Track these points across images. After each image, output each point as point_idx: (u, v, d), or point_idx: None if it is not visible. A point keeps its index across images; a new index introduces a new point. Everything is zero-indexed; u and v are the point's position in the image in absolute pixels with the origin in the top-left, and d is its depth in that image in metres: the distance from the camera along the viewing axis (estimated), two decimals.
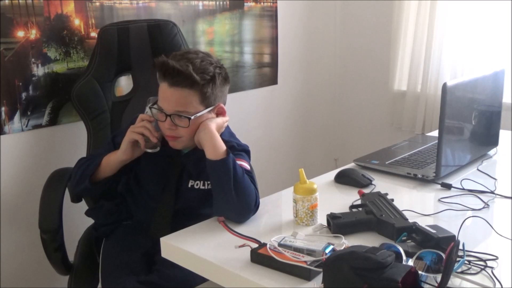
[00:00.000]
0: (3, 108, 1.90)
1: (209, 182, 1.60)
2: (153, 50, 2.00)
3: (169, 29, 2.03)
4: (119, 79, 2.07)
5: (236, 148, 1.58)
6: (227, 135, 1.62)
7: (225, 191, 1.41)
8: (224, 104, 1.59)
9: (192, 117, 1.50)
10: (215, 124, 1.52)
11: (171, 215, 1.65)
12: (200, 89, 1.50)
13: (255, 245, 1.21)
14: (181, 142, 1.56)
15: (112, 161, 1.60)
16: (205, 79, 1.50)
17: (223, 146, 1.47)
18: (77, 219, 1.87)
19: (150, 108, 1.55)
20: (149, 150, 1.56)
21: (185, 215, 1.58)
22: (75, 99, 1.91)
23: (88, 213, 1.82)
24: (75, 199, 1.82)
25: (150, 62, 1.99)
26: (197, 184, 1.63)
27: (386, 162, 1.82)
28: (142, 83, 2.01)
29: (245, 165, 1.53)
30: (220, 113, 1.58)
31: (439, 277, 1.05)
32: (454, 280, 1.09)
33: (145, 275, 1.54)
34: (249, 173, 1.51)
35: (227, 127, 1.63)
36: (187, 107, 1.50)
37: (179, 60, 1.49)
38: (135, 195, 1.73)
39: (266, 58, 2.87)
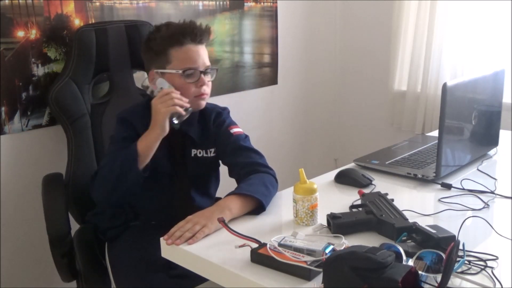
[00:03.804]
0: (3, 108, 1.90)
1: (211, 150, 1.70)
2: (131, 51, 2.00)
3: (146, 30, 2.02)
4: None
5: (224, 113, 1.72)
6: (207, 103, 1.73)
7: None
8: None
9: (218, 68, 1.70)
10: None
11: (189, 183, 1.70)
12: (207, 44, 1.67)
13: (255, 245, 1.21)
14: (206, 98, 1.67)
15: (152, 142, 1.56)
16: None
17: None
18: None
19: (183, 72, 1.60)
20: (183, 119, 1.58)
21: (196, 189, 1.63)
22: (54, 103, 1.88)
23: (90, 219, 1.82)
24: (119, 201, 1.69)
25: (128, 63, 2.00)
26: (199, 153, 1.69)
27: (386, 162, 1.82)
28: (120, 84, 2.01)
29: (240, 130, 1.69)
30: None
31: (439, 277, 1.05)
32: (454, 280, 1.09)
33: (174, 270, 1.52)
34: (248, 139, 1.68)
35: None
36: (208, 60, 1.65)
37: (186, 22, 1.64)
38: (145, 190, 1.71)
39: (266, 58, 2.87)
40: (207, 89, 1.64)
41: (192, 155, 1.69)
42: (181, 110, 1.55)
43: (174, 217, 1.35)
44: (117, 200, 1.66)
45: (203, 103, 1.67)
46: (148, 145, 1.56)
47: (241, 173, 1.61)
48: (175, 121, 1.56)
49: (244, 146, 1.65)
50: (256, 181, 1.52)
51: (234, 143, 1.65)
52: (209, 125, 1.69)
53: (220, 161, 1.75)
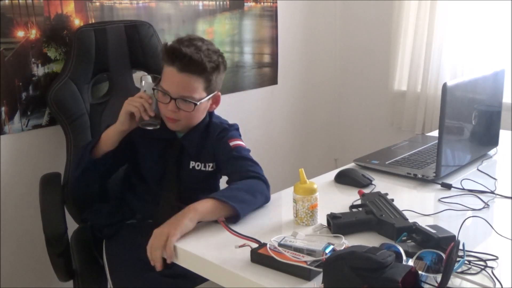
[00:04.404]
0: (3, 108, 1.90)
1: (210, 164, 1.69)
2: (130, 51, 2.00)
3: (145, 30, 2.03)
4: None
5: (229, 129, 1.69)
6: (217, 118, 1.74)
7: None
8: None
9: (198, 103, 1.58)
10: None
11: (177, 197, 1.68)
12: (206, 76, 1.58)
13: (255, 245, 1.21)
14: (180, 125, 1.64)
15: (111, 133, 1.62)
16: (212, 67, 1.58)
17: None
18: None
19: (153, 89, 1.60)
20: (150, 128, 1.60)
21: (191, 201, 1.60)
22: (53, 103, 1.88)
23: (86, 216, 1.82)
24: (76, 184, 1.77)
25: (127, 63, 2.00)
26: (198, 166, 1.68)
27: (386, 162, 1.82)
28: (120, 84, 2.01)
29: (241, 143, 1.64)
30: (216, 101, 1.68)
31: (439, 277, 1.05)
32: (454, 280, 1.09)
33: (168, 268, 1.54)
34: (248, 151, 1.64)
35: (213, 111, 1.72)
36: (193, 93, 1.58)
37: (188, 47, 1.56)
38: (139, 190, 1.74)
39: (266, 58, 2.87)
40: (173, 114, 1.58)
41: (190, 167, 1.68)
42: (143, 114, 1.56)
43: (165, 221, 1.35)
44: (78, 185, 1.75)
45: (171, 126, 1.63)
46: (108, 135, 1.63)
47: (231, 180, 1.59)
48: (149, 128, 1.59)
49: (238, 156, 1.62)
50: (240, 186, 1.48)
51: (229, 154, 1.62)
52: (211, 139, 1.68)
53: (222, 174, 1.75)
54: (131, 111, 1.57)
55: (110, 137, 1.62)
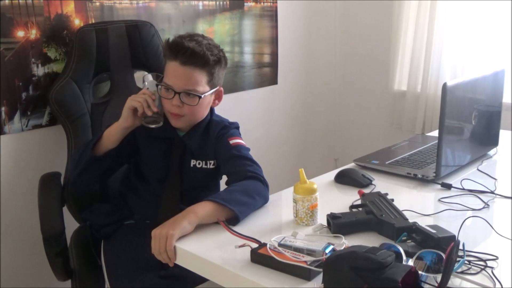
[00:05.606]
0: (3, 108, 1.90)
1: (211, 162, 1.69)
2: (131, 51, 2.00)
3: (147, 30, 2.03)
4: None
5: (229, 127, 1.70)
6: (217, 116, 1.74)
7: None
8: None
9: (202, 96, 1.59)
10: None
11: (179, 196, 1.68)
12: (209, 69, 1.59)
13: (255, 245, 1.21)
14: (184, 121, 1.64)
15: (114, 130, 1.62)
16: (214, 60, 1.59)
17: None
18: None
19: (157, 85, 1.61)
20: (153, 126, 1.60)
21: (192, 199, 1.60)
22: (54, 103, 1.88)
23: (86, 216, 1.82)
24: (76, 182, 1.74)
25: (128, 63, 2.00)
26: (199, 163, 1.69)
27: (386, 162, 1.82)
28: (121, 84, 2.01)
29: (241, 142, 1.65)
30: (219, 96, 1.69)
31: (439, 277, 1.05)
32: (454, 280, 1.09)
33: (165, 270, 1.53)
34: (247, 150, 1.64)
35: (213, 109, 1.73)
36: (196, 86, 1.58)
37: (190, 41, 1.58)
38: (139, 189, 1.74)
39: (266, 58, 2.87)
40: (177, 109, 1.59)
41: (191, 165, 1.69)
42: (146, 110, 1.55)
43: (165, 219, 1.35)
44: (79, 183, 1.73)
45: (175, 122, 1.64)
46: (111, 132, 1.62)
47: (230, 180, 1.59)
48: (152, 126, 1.59)
49: (238, 155, 1.61)
50: (239, 188, 1.48)
51: (229, 152, 1.63)
52: (211, 138, 1.68)
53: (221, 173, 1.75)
54: (135, 106, 1.57)
55: (112, 134, 1.62)
